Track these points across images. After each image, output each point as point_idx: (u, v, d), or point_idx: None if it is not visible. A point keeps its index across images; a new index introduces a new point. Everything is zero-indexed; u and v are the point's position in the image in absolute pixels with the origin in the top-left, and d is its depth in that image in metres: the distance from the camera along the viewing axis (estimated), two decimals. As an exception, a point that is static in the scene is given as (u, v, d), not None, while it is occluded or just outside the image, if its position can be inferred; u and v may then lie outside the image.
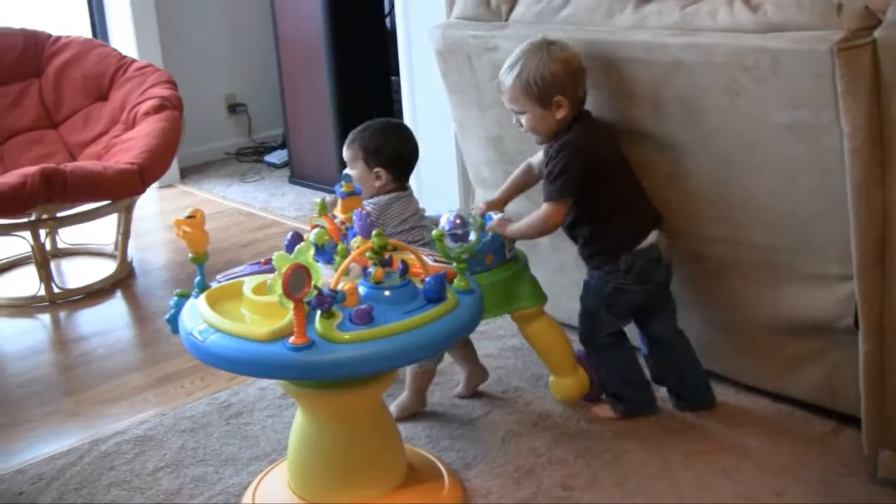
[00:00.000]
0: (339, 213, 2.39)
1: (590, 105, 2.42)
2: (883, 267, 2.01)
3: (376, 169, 2.47)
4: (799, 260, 2.26)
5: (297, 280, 1.82)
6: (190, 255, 2.15)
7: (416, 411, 2.57)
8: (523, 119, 2.36)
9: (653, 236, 2.38)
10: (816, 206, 2.16)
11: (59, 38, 4.26)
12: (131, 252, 3.95)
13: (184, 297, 2.17)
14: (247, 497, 2.23)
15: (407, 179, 2.56)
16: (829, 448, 2.30)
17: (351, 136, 2.53)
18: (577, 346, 2.54)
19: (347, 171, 2.50)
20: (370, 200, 2.48)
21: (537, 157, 2.49)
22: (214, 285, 2.17)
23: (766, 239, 2.30)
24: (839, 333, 2.26)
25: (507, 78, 2.33)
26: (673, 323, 2.49)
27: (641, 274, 2.37)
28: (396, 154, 2.50)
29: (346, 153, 2.53)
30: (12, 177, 3.37)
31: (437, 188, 3.34)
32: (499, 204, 2.54)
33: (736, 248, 2.37)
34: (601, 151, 2.36)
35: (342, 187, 2.40)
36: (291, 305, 1.85)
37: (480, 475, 2.30)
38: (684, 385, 2.51)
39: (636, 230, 2.38)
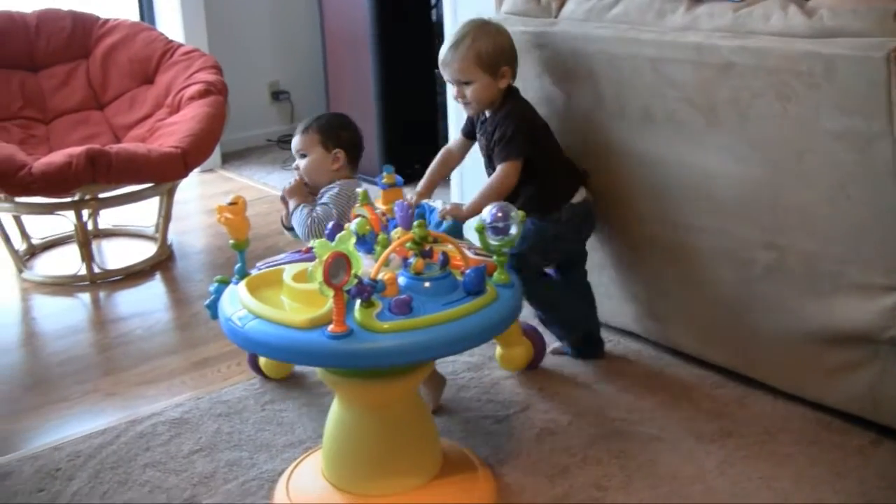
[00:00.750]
0: (379, 203, 2.39)
1: (634, 103, 2.41)
2: (930, 279, 1.99)
3: (335, 150, 2.66)
4: (845, 269, 2.24)
5: (337, 268, 1.83)
6: (231, 241, 2.16)
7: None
8: (469, 90, 2.52)
9: (582, 192, 2.62)
10: (865, 216, 2.13)
11: (107, 20, 4.28)
12: (171, 235, 3.98)
13: (224, 283, 2.18)
14: (281, 484, 2.24)
15: (357, 166, 2.76)
16: (869, 460, 2.27)
17: (303, 125, 2.73)
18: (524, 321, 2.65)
19: (298, 162, 2.71)
20: (327, 195, 2.62)
21: (455, 142, 2.79)
22: (255, 272, 2.18)
23: (812, 246, 2.28)
24: (882, 344, 2.24)
25: (458, 50, 2.50)
26: (586, 275, 2.81)
27: (577, 225, 2.65)
28: (353, 137, 2.72)
29: (298, 142, 2.71)
30: (58, 157, 3.40)
31: (480, 183, 3.32)
32: (425, 193, 2.68)
33: (782, 254, 2.34)
34: (538, 118, 2.60)
35: (383, 178, 2.40)
36: (331, 293, 1.85)
37: (514, 471, 2.29)
38: (586, 337, 2.80)
39: (570, 186, 2.62)
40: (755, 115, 2.22)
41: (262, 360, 2.70)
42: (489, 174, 2.63)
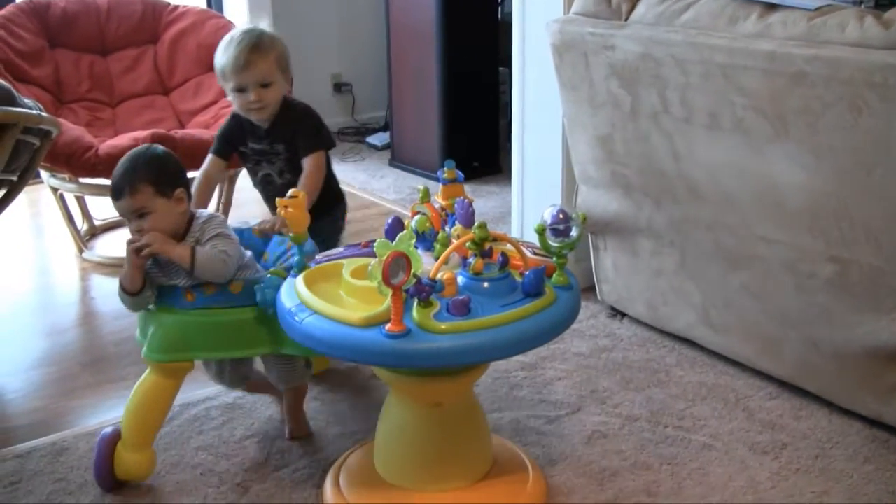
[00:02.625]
0: (440, 199, 2.39)
1: (702, 109, 2.39)
2: None
3: (177, 191, 2.18)
4: (910, 285, 2.21)
5: (396, 268, 1.83)
6: (290, 234, 2.17)
7: (300, 433, 2.46)
8: (269, 92, 2.57)
9: None
10: (934, 232, 2.10)
11: (176, 7, 4.34)
12: (230, 221, 3.99)
13: (281, 277, 2.20)
14: (331, 474, 2.25)
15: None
16: (926, 480, 2.24)
17: (119, 188, 2.16)
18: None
19: (137, 224, 2.20)
20: (211, 228, 2.24)
21: (211, 164, 2.72)
22: (313, 265, 2.19)
23: (877, 261, 2.24)
24: (945, 364, 2.20)
25: (262, 52, 2.56)
26: None
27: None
28: (178, 167, 2.25)
29: (128, 205, 2.17)
30: (124, 139, 3.45)
31: (541, 183, 3.32)
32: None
33: (845, 268, 2.31)
34: None
35: (444, 174, 2.40)
36: (390, 292, 1.86)
37: (564, 473, 2.29)
38: None
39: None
40: (825, 126, 2.19)
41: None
42: (268, 190, 2.73)
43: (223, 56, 2.57)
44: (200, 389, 2.69)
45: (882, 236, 2.21)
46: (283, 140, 2.64)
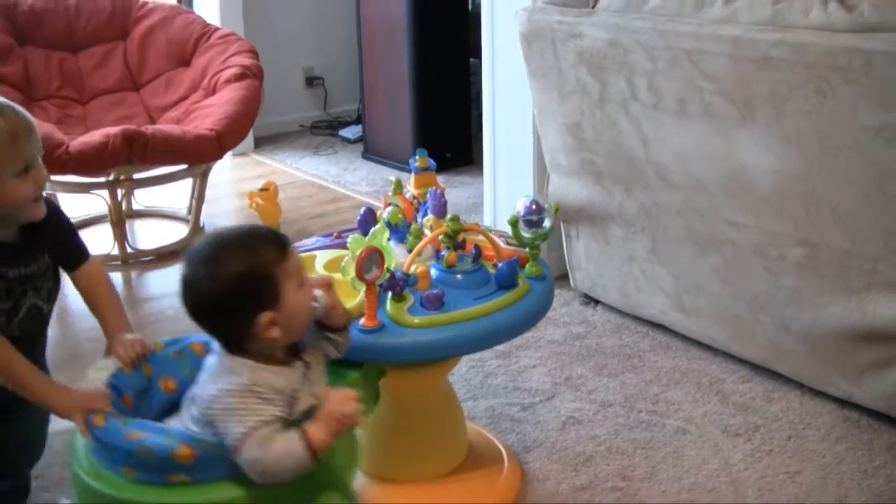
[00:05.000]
0: (412, 188, 2.39)
1: (670, 96, 2.41)
2: (965, 279, 1.98)
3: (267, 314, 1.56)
4: (878, 267, 2.23)
5: (370, 263, 1.83)
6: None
7: None
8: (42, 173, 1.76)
9: None
10: (900, 213, 2.12)
11: (146, 2, 4.32)
12: (204, 217, 4.00)
13: None
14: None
15: None
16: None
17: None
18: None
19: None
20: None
21: None
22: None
23: (845, 243, 2.26)
24: (913, 343, 2.23)
25: (33, 130, 1.73)
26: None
27: None
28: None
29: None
30: (95, 136, 3.44)
31: (513, 173, 3.33)
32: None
33: (814, 250, 2.33)
34: None
35: (416, 162, 2.40)
36: (363, 288, 1.86)
37: (539, 459, 2.30)
38: None
39: None
40: (792, 110, 2.21)
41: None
42: (34, 328, 1.85)
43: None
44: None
45: (849, 219, 2.24)
46: (47, 248, 1.83)
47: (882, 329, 2.27)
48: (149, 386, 1.75)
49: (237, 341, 1.57)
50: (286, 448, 1.48)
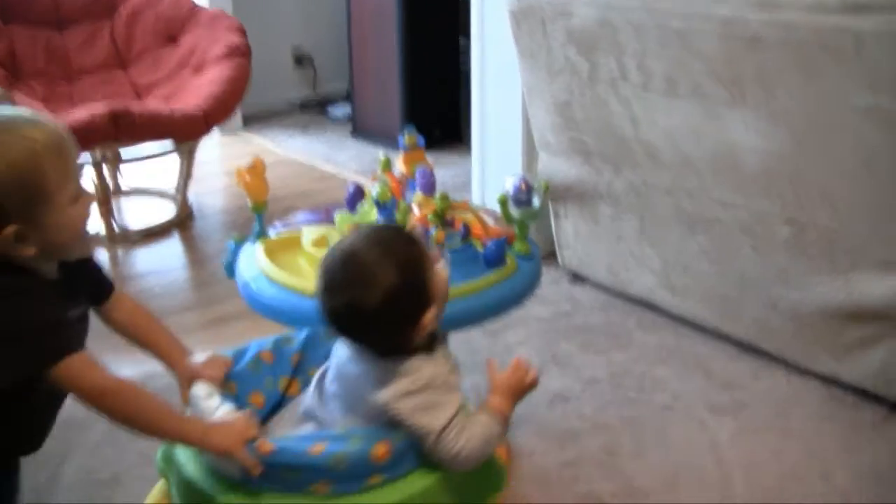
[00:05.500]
0: (400, 164, 2.39)
1: (659, 75, 2.40)
2: (950, 258, 1.99)
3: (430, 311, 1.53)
4: (865, 246, 2.24)
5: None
6: (250, 204, 2.17)
7: None
8: None
9: None
10: (888, 194, 2.13)
11: (133, -21, 4.29)
12: (191, 195, 3.99)
13: (240, 242, 2.19)
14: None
15: None
16: (880, 435, 2.28)
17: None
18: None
19: None
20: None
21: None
22: (273, 233, 2.19)
23: (833, 223, 2.27)
24: (898, 322, 2.25)
25: None
26: None
27: None
28: None
29: None
30: (81, 113, 3.42)
31: (501, 152, 3.34)
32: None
33: (802, 230, 2.34)
34: None
35: (405, 139, 2.39)
36: (351, 266, 1.86)
37: (525, 435, 2.31)
38: None
39: None
40: (781, 90, 2.21)
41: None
42: None
43: (53, 152, 1.40)
44: (164, 362, 2.68)
45: (837, 198, 2.24)
46: (85, 282, 1.61)
47: (868, 308, 2.29)
48: (241, 404, 1.62)
49: (400, 345, 1.52)
50: (484, 430, 1.49)
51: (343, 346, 1.59)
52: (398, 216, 2.15)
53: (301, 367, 1.73)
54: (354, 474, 1.44)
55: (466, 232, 2.08)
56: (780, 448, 2.25)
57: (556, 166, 2.92)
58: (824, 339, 2.42)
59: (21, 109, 1.50)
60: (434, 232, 2.05)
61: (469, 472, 1.51)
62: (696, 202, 2.55)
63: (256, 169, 2.15)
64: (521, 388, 1.57)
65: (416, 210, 2.15)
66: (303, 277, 1.99)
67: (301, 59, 5.60)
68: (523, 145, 3.21)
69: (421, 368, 1.50)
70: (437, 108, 4.72)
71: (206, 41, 4.00)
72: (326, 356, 1.68)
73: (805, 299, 2.42)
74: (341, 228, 1.82)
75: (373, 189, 2.19)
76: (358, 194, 2.19)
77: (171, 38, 4.15)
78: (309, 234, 2.12)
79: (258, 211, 2.17)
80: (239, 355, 1.72)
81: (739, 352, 2.66)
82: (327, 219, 2.21)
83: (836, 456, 2.21)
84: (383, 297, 1.45)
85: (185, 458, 1.54)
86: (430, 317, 1.50)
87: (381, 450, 1.44)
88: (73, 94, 4.02)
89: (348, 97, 5.21)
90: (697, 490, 2.10)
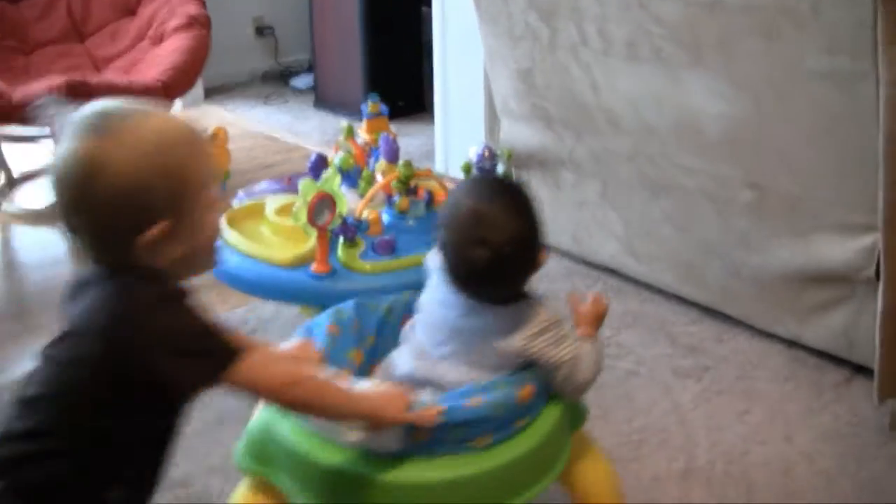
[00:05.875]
0: (364, 133, 2.38)
1: (620, 41, 2.40)
2: (909, 219, 2.01)
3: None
4: (825, 209, 2.25)
5: (321, 208, 1.82)
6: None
7: None
8: None
9: None
10: (847, 156, 2.14)
11: (89, -50, 4.22)
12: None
13: None
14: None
15: None
16: (842, 397, 2.31)
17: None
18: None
19: None
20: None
21: None
22: (236, 203, 2.18)
23: (793, 187, 2.29)
24: (859, 284, 2.26)
25: None
26: None
27: None
28: None
29: None
30: (38, 86, 3.36)
31: (464, 119, 3.33)
32: None
33: (763, 194, 2.35)
34: None
35: (368, 107, 2.38)
36: (315, 233, 1.85)
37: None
38: None
39: None
40: (741, 53, 2.21)
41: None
42: None
43: (194, 143, 1.28)
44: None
45: (797, 162, 2.26)
46: None
47: (829, 271, 2.31)
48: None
49: (520, 290, 1.59)
50: (594, 356, 1.60)
51: (442, 308, 1.59)
52: (361, 184, 2.14)
53: (361, 336, 1.70)
54: (508, 420, 1.47)
55: (430, 199, 2.07)
56: (744, 410, 2.27)
57: (518, 133, 2.91)
58: (787, 303, 2.44)
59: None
60: (398, 199, 2.04)
61: (570, 406, 1.61)
62: (658, 168, 2.56)
63: (219, 138, 2.13)
64: (601, 317, 1.69)
65: (379, 177, 2.14)
66: (266, 246, 1.98)
67: (262, 30, 5.54)
68: (485, 113, 3.20)
69: (538, 309, 1.57)
70: (399, 78, 4.69)
71: (165, 12, 3.95)
72: (378, 324, 1.71)
73: (767, 263, 2.43)
74: (306, 196, 1.81)
75: (336, 158, 2.17)
76: (321, 163, 2.17)
77: (129, 10, 4.10)
78: (273, 202, 2.11)
79: (221, 180, 2.15)
80: (311, 335, 1.67)
81: (703, 316, 2.67)
82: (290, 188, 2.20)
83: (798, 418, 2.23)
84: (518, 243, 1.51)
85: (311, 445, 1.48)
86: (544, 257, 1.58)
87: (525, 392, 1.49)
88: (29, 67, 3.96)
89: (310, 68, 5.17)
90: (662, 453, 2.12)
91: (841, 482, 2.02)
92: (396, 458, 1.43)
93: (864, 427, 2.20)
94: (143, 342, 1.16)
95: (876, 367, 2.13)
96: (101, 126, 1.21)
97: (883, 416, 2.18)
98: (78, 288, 1.26)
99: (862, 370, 2.35)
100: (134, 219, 1.19)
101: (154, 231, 1.19)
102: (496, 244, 1.49)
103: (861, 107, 2.04)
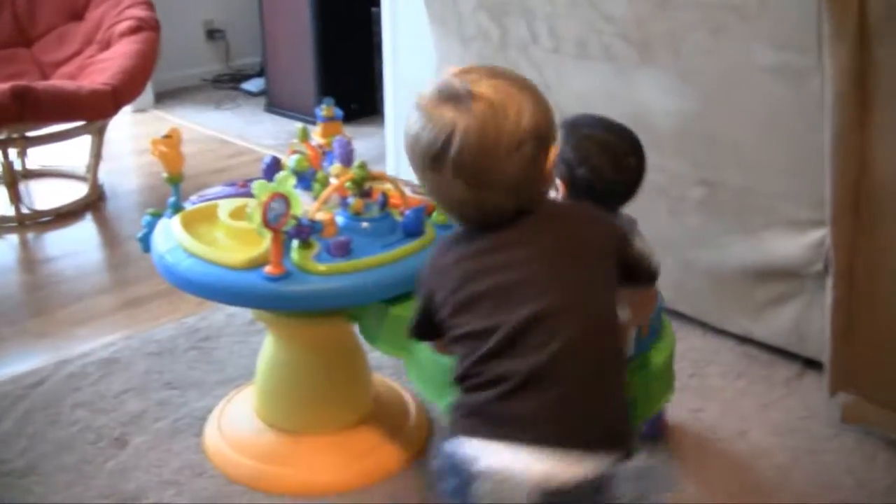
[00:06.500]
0: (318, 137, 2.35)
1: (570, 39, 2.40)
2: (856, 213, 2.02)
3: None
4: (775, 204, 2.26)
5: (276, 209, 1.80)
6: (165, 175, 2.12)
7: None
8: None
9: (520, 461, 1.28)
10: (796, 151, 2.15)
11: (33, -47, 4.17)
12: (103, 175, 3.89)
13: (156, 216, 2.15)
14: (212, 420, 2.22)
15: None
16: (794, 391, 2.32)
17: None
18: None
19: None
20: None
21: None
22: (189, 207, 2.15)
23: (743, 182, 2.30)
24: (808, 279, 2.27)
25: None
26: None
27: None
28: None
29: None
30: (-17, 92, 3.32)
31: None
32: None
33: (714, 189, 2.36)
34: None
35: (322, 111, 2.36)
36: (269, 234, 1.83)
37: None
38: None
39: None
40: (689, 49, 2.22)
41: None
42: None
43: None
44: (77, 346, 2.63)
45: (746, 157, 2.27)
46: None
47: (780, 266, 2.32)
48: None
49: None
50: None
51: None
52: (316, 186, 2.11)
53: None
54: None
55: (385, 201, 2.05)
56: (698, 407, 2.27)
57: (471, 134, 2.90)
58: (739, 299, 2.45)
59: None
60: (352, 201, 2.02)
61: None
62: (609, 166, 2.56)
63: (172, 139, 2.09)
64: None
65: (333, 181, 2.12)
66: (219, 249, 1.96)
67: (213, 33, 5.50)
68: (438, 114, 3.18)
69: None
70: (352, 81, 4.67)
71: (113, 16, 3.91)
72: None
73: (719, 260, 2.44)
74: (260, 197, 1.79)
75: (290, 160, 2.15)
76: (275, 166, 2.15)
77: (77, 14, 4.05)
78: (226, 206, 2.08)
79: (174, 182, 2.12)
80: None
81: (657, 314, 2.68)
82: (244, 192, 2.17)
83: (751, 412, 2.24)
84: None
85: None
86: None
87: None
88: (-26, 73, 3.90)
89: (262, 71, 5.13)
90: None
91: (795, 475, 2.03)
92: None
93: (816, 420, 2.21)
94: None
95: (826, 360, 2.15)
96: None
97: (834, 408, 2.19)
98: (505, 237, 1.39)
99: (813, 364, 2.37)
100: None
101: (553, 153, 1.41)
102: (640, 149, 1.80)
103: (808, 101, 2.05)
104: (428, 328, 1.49)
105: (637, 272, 1.52)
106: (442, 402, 1.67)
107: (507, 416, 1.29)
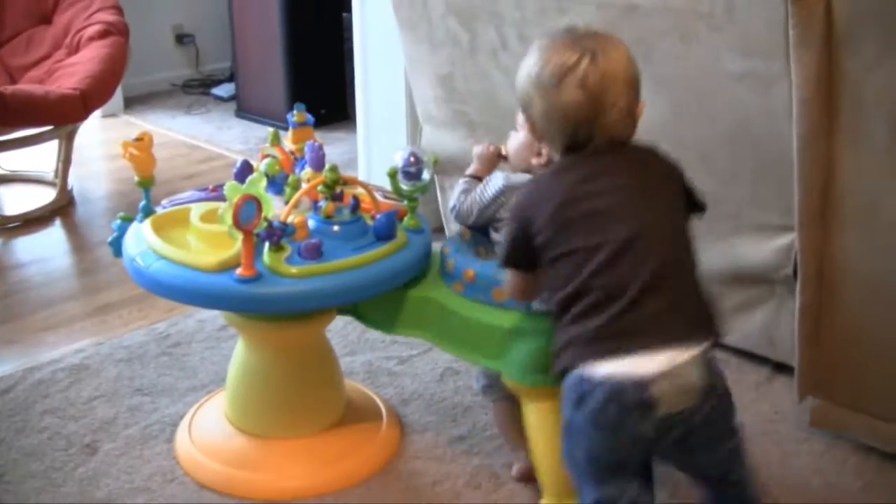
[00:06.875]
0: (289, 142, 2.35)
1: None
2: (823, 218, 2.03)
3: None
4: (743, 210, 2.28)
5: (247, 211, 1.80)
6: (136, 178, 2.11)
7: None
8: None
9: (646, 363, 1.45)
10: (764, 157, 2.17)
11: (0, -44, 4.14)
12: (72, 180, 3.87)
13: (127, 220, 2.14)
14: (183, 426, 2.22)
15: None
16: (763, 395, 2.34)
17: None
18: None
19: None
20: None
21: None
22: (160, 210, 2.14)
23: (712, 188, 2.29)
24: (777, 283, 2.29)
25: None
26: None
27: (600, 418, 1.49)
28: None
29: None
30: (-51, 97, 3.29)
31: (386, 126, 3.32)
32: None
33: (682, 195, 2.38)
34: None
35: (294, 117, 2.36)
36: (240, 236, 1.82)
37: (417, 411, 2.31)
38: None
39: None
40: (658, 57, 2.23)
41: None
42: None
43: None
44: (46, 352, 2.61)
45: (715, 164, 2.28)
46: None
47: (748, 272, 2.34)
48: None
49: None
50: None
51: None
52: (287, 190, 2.11)
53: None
54: None
55: (356, 205, 2.05)
56: (668, 411, 2.28)
57: (441, 139, 2.91)
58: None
59: None
60: (324, 204, 2.02)
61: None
62: (580, 171, 2.57)
63: (143, 142, 2.08)
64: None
65: (305, 184, 2.12)
66: (191, 251, 1.95)
67: (182, 38, 5.48)
68: (408, 120, 3.19)
69: None
70: (322, 86, 4.67)
71: (81, 20, 3.89)
72: None
73: (688, 264, 2.45)
74: (231, 198, 1.79)
75: (262, 164, 2.15)
76: (247, 169, 2.15)
77: (44, 18, 4.03)
78: (198, 209, 2.08)
79: (145, 185, 2.11)
80: (451, 242, 2.02)
81: (627, 318, 2.69)
82: (215, 197, 2.16)
83: (721, 416, 2.26)
84: None
85: None
86: None
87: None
88: (-60, 78, 3.87)
89: (232, 76, 5.12)
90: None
91: (765, 478, 2.04)
92: None
93: (785, 424, 2.23)
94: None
95: (795, 364, 2.17)
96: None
97: (803, 412, 2.21)
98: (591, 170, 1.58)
99: (783, 368, 2.39)
100: None
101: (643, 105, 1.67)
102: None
103: (775, 108, 2.07)
104: (521, 257, 1.65)
105: (694, 199, 1.76)
106: (486, 361, 1.90)
107: (626, 330, 1.47)
